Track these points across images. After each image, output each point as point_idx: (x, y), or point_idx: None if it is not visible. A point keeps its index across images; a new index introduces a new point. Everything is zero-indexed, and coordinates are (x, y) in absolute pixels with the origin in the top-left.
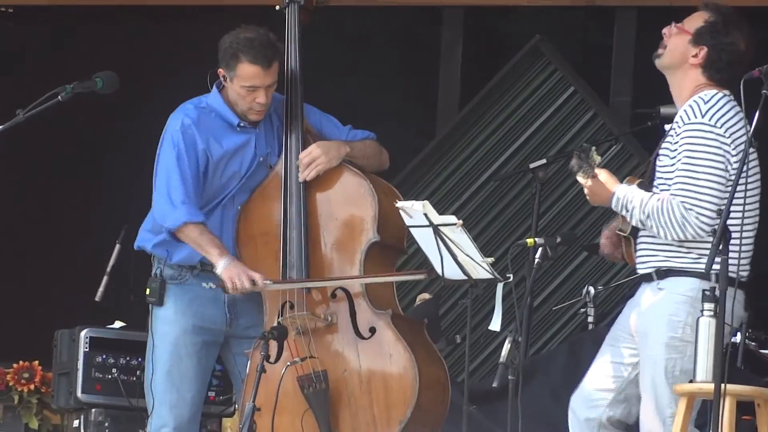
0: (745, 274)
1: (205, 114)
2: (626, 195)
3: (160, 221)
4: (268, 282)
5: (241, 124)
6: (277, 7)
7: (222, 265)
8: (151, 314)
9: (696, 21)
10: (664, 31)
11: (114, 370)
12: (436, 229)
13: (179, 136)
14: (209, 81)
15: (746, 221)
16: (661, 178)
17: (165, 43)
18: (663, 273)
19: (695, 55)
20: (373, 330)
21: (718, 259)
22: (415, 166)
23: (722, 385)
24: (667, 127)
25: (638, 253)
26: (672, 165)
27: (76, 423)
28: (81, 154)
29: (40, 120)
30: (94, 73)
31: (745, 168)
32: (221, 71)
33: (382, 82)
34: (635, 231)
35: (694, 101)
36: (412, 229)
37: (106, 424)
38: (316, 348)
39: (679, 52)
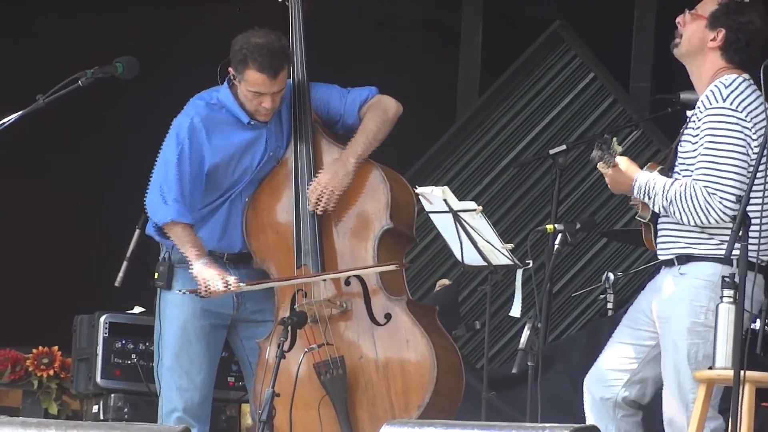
0: (765, 258)
1: (215, 111)
2: (648, 182)
3: (150, 213)
4: (242, 284)
5: (252, 123)
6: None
7: (197, 267)
8: (158, 298)
9: (709, 5)
10: (678, 20)
11: (133, 356)
12: (455, 215)
13: (185, 135)
14: (219, 74)
15: (766, 207)
16: (684, 164)
17: (177, 30)
18: (684, 259)
19: (713, 39)
20: (388, 316)
21: (737, 245)
22: (435, 151)
23: (741, 372)
24: (689, 113)
25: (660, 240)
26: (694, 150)
27: (95, 408)
28: (101, 138)
29: (61, 105)
30: (108, 58)
31: (765, 153)
32: (231, 70)
33: (402, 67)
34: (655, 217)
35: (715, 86)
36: (431, 215)
37: (126, 410)
38: (332, 335)
39: (696, 38)
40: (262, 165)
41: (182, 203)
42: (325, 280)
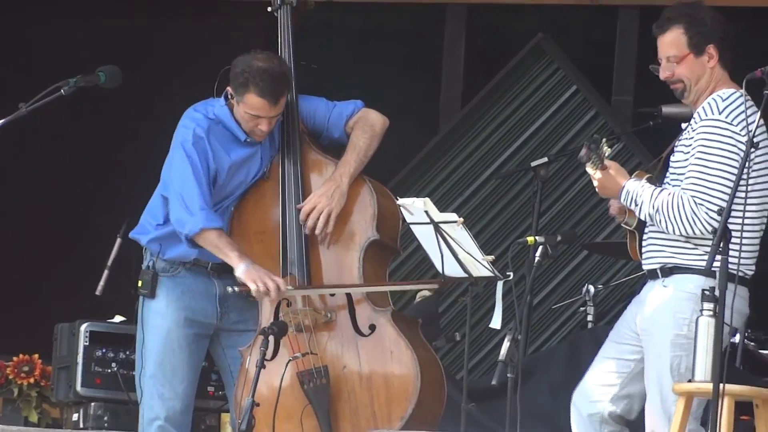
0: (750, 272)
1: (213, 125)
2: (636, 189)
3: (178, 228)
4: (290, 288)
5: (248, 140)
6: (269, 9)
7: (242, 268)
8: (141, 306)
9: (679, 39)
10: (663, 75)
11: (113, 365)
12: (436, 227)
13: (191, 146)
14: (216, 87)
15: (750, 220)
16: (674, 173)
17: (167, 37)
18: (668, 270)
19: (710, 59)
20: (373, 327)
21: (718, 258)
22: (417, 162)
23: (721, 385)
24: (683, 125)
25: (644, 249)
26: (685, 161)
27: (75, 417)
28: (82, 147)
29: (42, 113)
30: (98, 66)
31: (747, 166)
32: (230, 89)
33: (384, 78)
34: (641, 225)
35: (713, 99)
36: (412, 226)
37: (105, 418)
38: (316, 345)
39: (697, 74)
40: (255, 178)
41: (208, 210)
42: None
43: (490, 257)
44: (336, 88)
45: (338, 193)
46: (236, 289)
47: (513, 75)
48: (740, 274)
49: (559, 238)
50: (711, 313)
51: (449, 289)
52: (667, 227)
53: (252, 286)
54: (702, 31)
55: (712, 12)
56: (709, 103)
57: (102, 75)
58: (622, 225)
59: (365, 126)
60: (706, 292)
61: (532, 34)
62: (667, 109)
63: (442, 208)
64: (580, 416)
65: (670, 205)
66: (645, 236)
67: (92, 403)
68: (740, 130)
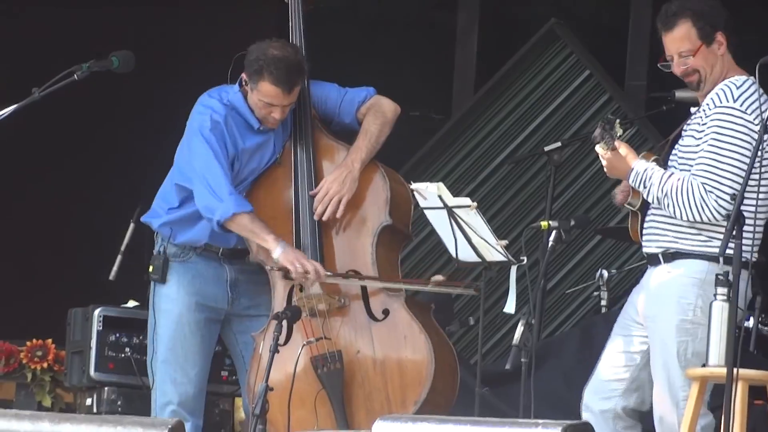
0: (755, 256)
1: (228, 111)
2: (646, 171)
3: (208, 215)
4: (329, 273)
5: (261, 128)
6: None
7: (279, 251)
8: (152, 291)
9: (689, 33)
10: (678, 70)
11: (127, 349)
12: (450, 211)
13: (209, 132)
14: (231, 73)
15: (760, 206)
16: (683, 157)
17: (180, 23)
18: (670, 256)
19: (720, 46)
20: (386, 312)
21: (731, 243)
22: (430, 148)
23: (735, 370)
24: (692, 109)
25: (646, 231)
26: (697, 146)
27: (88, 401)
28: (95, 132)
29: (55, 98)
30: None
31: (759, 153)
32: (244, 76)
33: (398, 65)
34: (644, 206)
35: (726, 86)
36: (426, 211)
37: (119, 403)
38: (330, 329)
39: (710, 63)
40: (268, 165)
41: (237, 194)
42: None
43: (504, 242)
44: (349, 75)
45: (350, 179)
46: (275, 266)
47: (526, 60)
48: (753, 259)
49: (572, 222)
50: (724, 297)
51: (463, 275)
52: (674, 212)
53: (291, 268)
54: (709, 21)
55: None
56: (723, 89)
57: (115, 60)
58: (625, 205)
59: (377, 113)
60: (720, 277)
61: (544, 21)
62: (680, 94)
63: (455, 193)
64: (593, 414)
65: (680, 190)
66: (647, 218)
67: (105, 388)
68: (754, 119)
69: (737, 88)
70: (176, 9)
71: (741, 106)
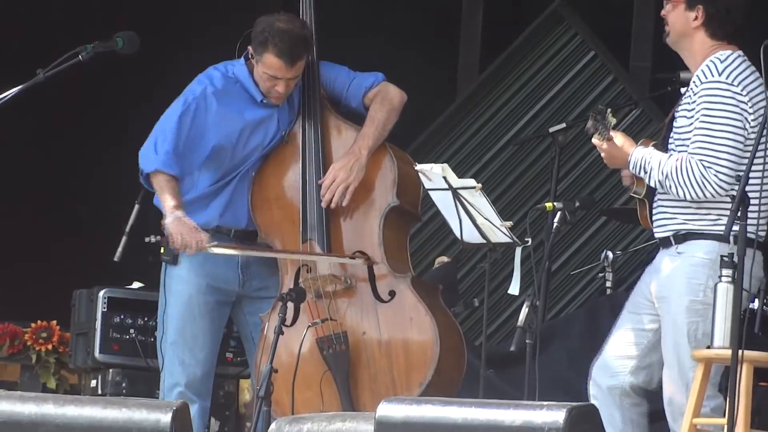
0: (762, 234)
1: (230, 84)
2: (644, 156)
3: (141, 163)
4: (214, 243)
5: (264, 101)
6: None
7: (171, 218)
8: (164, 273)
9: None
10: (663, 12)
11: (132, 331)
12: (455, 193)
13: (193, 100)
14: (238, 49)
15: (765, 186)
16: (679, 139)
17: (185, 4)
18: (681, 237)
19: (696, 18)
20: (392, 293)
21: (736, 223)
22: (435, 128)
23: (740, 352)
24: (683, 90)
25: (656, 217)
26: (690, 125)
27: (93, 383)
28: (100, 113)
29: (60, 79)
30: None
31: (765, 132)
32: (250, 48)
33: (402, 44)
34: (650, 193)
35: (711, 61)
36: (431, 192)
37: (124, 384)
38: (336, 311)
39: (680, 23)
40: (274, 143)
41: (172, 155)
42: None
43: (509, 223)
44: (354, 55)
45: (357, 167)
46: (156, 238)
47: (531, 41)
48: (758, 238)
49: (577, 204)
50: (729, 279)
51: (468, 255)
52: (677, 192)
53: (173, 238)
54: None
55: None
56: (707, 65)
57: (120, 41)
58: (631, 194)
59: (384, 100)
60: (725, 258)
61: (549, 1)
62: (684, 75)
63: (460, 174)
64: (600, 389)
65: (679, 170)
66: (655, 204)
67: (110, 370)
68: (741, 90)
69: (721, 62)
70: None
71: (727, 78)
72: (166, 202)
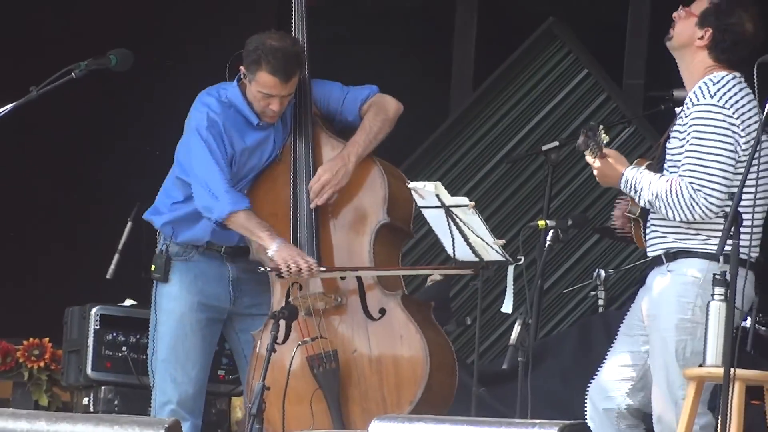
0: (755, 255)
1: (226, 109)
2: (635, 176)
3: (207, 215)
4: (323, 269)
5: (260, 123)
6: None
7: (274, 248)
8: (155, 290)
9: (702, 3)
10: (674, 15)
11: (124, 348)
12: (447, 211)
13: (206, 130)
14: (228, 70)
15: (757, 205)
16: (671, 159)
17: (177, 19)
18: (672, 256)
19: (701, 37)
20: (383, 311)
21: (729, 242)
22: (428, 146)
23: (732, 370)
24: (677, 109)
25: (648, 236)
26: (681, 146)
27: (85, 400)
28: (93, 131)
29: (52, 96)
30: (108, 49)
31: (757, 152)
32: (242, 68)
33: (396, 60)
34: (644, 213)
35: (704, 83)
36: (423, 210)
37: (116, 402)
38: (326, 328)
39: (686, 35)
40: (268, 162)
41: (233, 192)
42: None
43: (501, 241)
44: (346, 69)
45: (343, 171)
46: (268, 269)
47: (524, 58)
48: (750, 259)
49: (570, 222)
50: (722, 297)
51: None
52: (667, 213)
53: (283, 267)
54: (717, 15)
55: (747, 16)
56: (700, 87)
57: (113, 58)
58: (626, 213)
59: (379, 110)
60: (717, 277)
61: (543, 17)
62: (678, 93)
63: (453, 192)
64: (596, 411)
65: (669, 191)
66: (648, 223)
67: (102, 387)
68: (733, 113)
69: (714, 84)
70: (174, 5)
71: (719, 101)
72: (259, 236)
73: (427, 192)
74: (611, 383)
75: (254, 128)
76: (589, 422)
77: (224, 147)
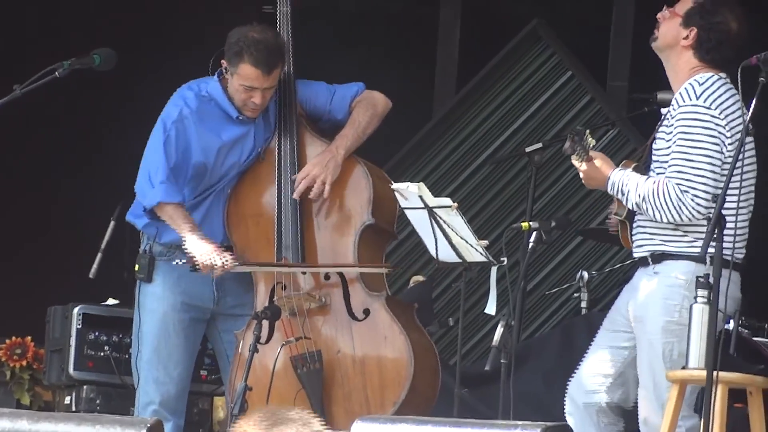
0: (740, 256)
1: (205, 103)
2: (621, 179)
3: (140, 199)
4: (238, 263)
5: (240, 117)
6: None
7: (191, 241)
8: (138, 290)
9: (686, 3)
10: (659, 15)
11: (106, 348)
12: (431, 212)
13: (171, 125)
14: (211, 65)
15: (741, 206)
16: (658, 161)
17: (161, 17)
18: (658, 257)
19: (686, 37)
20: (367, 312)
21: (713, 244)
22: (412, 147)
23: (714, 373)
24: (663, 110)
25: (635, 237)
26: (668, 148)
27: (67, 399)
28: (75, 130)
29: (34, 95)
30: (92, 48)
31: (741, 154)
32: (224, 62)
33: (379, 62)
34: (631, 215)
35: (690, 84)
36: (407, 211)
37: (98, 401)
38: (310, 329)
39: (671, 35)
40: (250, 160)
41: (169, 184)
42: (303, 272)
43: (484, 242)
44: (331, 72)
45: (333, 163)
46: (181, 262)
47: (508, 60)
48: (735, 259)
49: (553, 223)
50: (705, 300)
51: (443, 275)
52: (654, 215)
53: (197, 259)
54: (702, 15)
55: (731, 15)
56: (686, 88)
57: (97, 57)
58: (613, 215)
59: (368, 105)
60: (701, 279)
61: (527, 18)
62: (662, 95)
63: (436, 193)
64: (576, 406)
65: (656, 193)
66: (635, 225)
67: (84, 386)
68: (719, 114)
69: (700, 84)
70: (159, 4)
71: (705, 102)
72: (181, 228)
73: (410, 193)
74: (591, 378)
75: (233, 122)
76: (569, 418)
77: (183, 146)
